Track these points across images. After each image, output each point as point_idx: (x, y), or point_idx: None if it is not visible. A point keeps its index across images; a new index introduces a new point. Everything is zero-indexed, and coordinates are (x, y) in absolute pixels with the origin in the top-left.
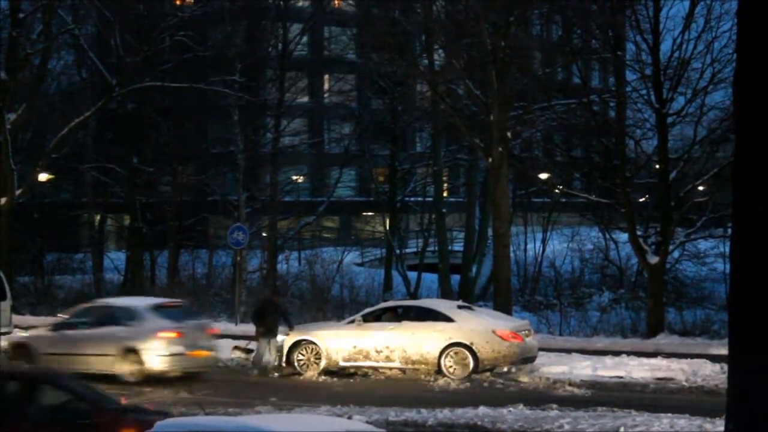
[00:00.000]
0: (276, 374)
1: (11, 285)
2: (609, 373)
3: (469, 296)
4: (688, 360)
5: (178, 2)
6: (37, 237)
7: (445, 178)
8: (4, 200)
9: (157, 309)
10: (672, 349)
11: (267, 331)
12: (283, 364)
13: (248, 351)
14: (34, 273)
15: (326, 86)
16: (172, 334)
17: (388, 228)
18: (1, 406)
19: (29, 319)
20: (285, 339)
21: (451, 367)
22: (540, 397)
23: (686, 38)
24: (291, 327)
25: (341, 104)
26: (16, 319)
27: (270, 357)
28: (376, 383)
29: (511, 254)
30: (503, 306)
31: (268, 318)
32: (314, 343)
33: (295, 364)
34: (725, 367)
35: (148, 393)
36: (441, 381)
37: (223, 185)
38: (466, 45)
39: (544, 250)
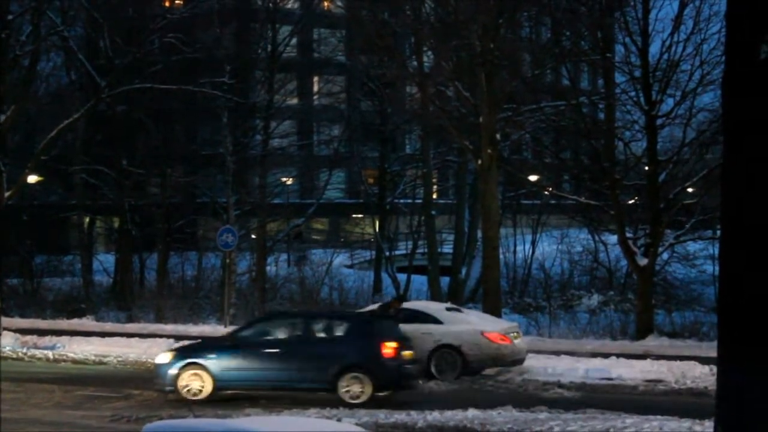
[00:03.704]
0: None
1: (0, 287)
2: (598, 375)
3: (459, 298)
4: (678, 362)
5: (167, 4)
6: (25, 239)
7: (434, 180)
8: None
9: None
10: (661, 351)
11: None
12: None
13: None
14: (22, 275)
15: (315, 88)
16: None
17: (377, 230)
18: None
19: (18, 322)
20: None
21: (440, 369)
22: (529, 399)
23: (675, 40)
24: None
25: (330, 106)
26: (5, 321)
27: None
28: None
29: (501, 256)
30: (492, 308)
31: None
32: None
33: None
34: (714, 368)
35: (138, 395)
36: (430, 383)
37: (213, 187)
38: (455, 47)
39: (533, 252)
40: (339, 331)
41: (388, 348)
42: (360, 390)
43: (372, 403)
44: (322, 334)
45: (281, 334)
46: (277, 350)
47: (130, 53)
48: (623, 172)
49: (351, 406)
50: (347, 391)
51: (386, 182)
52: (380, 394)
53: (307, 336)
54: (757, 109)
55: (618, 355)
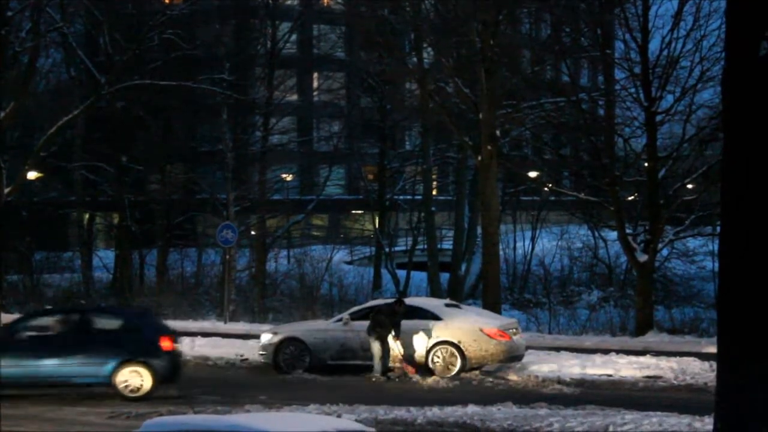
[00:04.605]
0: (383, 378)
1: (0, 284)
2: (598, 371)
3: (459, 294)
4: (677, 358)
5: (166, 1)
6: (25, 235)
7: (434, 177)
8: None
9: None
10: (661, 347)
11: (380, 335)
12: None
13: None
14: (22, 271)
15: (315, 84)
16: None
17: (377, 226)
18: None
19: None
20: (271, 337)
21: (439, 365)
22: (529, 396)
23: (675, 36)
24: (397, 336)
25: (330, 102)
26: (5, 317)
27: (379, 363)
28: (365, 381)
29: (501, 252)
30: (492, 304)
31: (386, 323)
32: (302, 342)
33: (282, 363)
34: (714, 365)
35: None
36: (429, 379)
37: (212, 183)
38: (455, 43)
39: (533, 249)
40: (116, 325)
41: (166, 341)
42: (140, 383)
43: (151, 397)
44: (98, 329)
45: (56, 330)
46: (53, 346)
47: (129, 50)
48: (623, 168)
49: (130, 400)
50: (126, 386)
51: (386, 179)
52: (159, 387)
53: (83, 331)
54: (757, 105)
55: (618, 351)
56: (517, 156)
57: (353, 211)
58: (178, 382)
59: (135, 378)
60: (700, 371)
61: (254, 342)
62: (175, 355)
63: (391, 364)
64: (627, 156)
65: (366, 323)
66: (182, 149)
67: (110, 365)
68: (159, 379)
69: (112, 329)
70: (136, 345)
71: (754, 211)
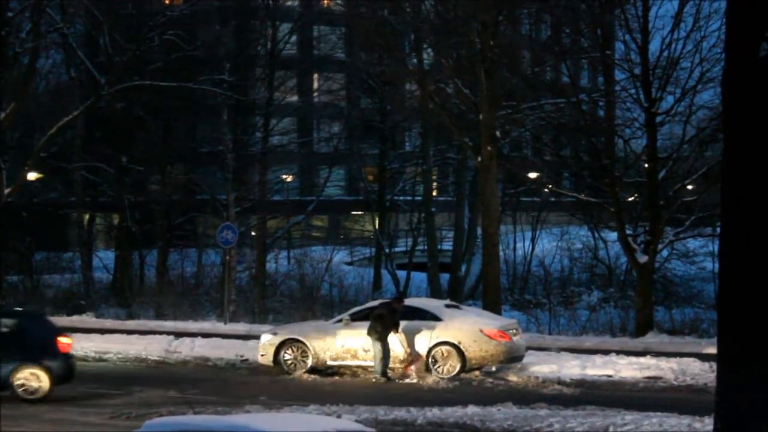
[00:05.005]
0: (384, 379)
1: (0, 284)
2: (598, 372)
3: (459, 295)
4: (677, 359)
5: (167, 1)
6: (25, 236)
7: (434, 178)
8: None
9: None
10: (661, 348)
11: (381, 336)
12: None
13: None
14: (22, 272)
15: (315, 85)
16: None
17: (377, 227)
18: None
19: None
20: (271, 338)
21: (439, 365)
22: (529, 396)
23: (675, 37)
24: (396, 330)
25: (330, 103)
26: None
27: (379, 364)
28: (365, 382)
29: (501, 253)
30: (492, 305)
31: (386, 322)
32: (302, 342)
33: (282, 364)
34: (714, 365)
35: (138, 392)
36: (429, 380)
37: (212, 184)
38: (455, 44)
39: (533, 249)
40: (12, 327)
41: (63, 342)
42: (37, 385)
43: (49, 398)
44: None
45: None
46: None
47: (129, 50)
48: (623, 169)
49: (28, 402)
50: (24, 388)
51: (386, 179)
52: (56, 388)
53: None
54: (757, 106)
55: (618, 352)
56: (517, 157)
57: (353, 212)
58: (73, 383)
59: (32, 380)
60: (701, 372)
61: (254, 343)
62: (70, 357)
63: (391, 365)
64: (627, 157)
65: (366, 324)
66: (182, 150)
67: (8, 368)
68: (56, 381)
69: (7, 331)
70: (33, 347)
71: (754, 212)
